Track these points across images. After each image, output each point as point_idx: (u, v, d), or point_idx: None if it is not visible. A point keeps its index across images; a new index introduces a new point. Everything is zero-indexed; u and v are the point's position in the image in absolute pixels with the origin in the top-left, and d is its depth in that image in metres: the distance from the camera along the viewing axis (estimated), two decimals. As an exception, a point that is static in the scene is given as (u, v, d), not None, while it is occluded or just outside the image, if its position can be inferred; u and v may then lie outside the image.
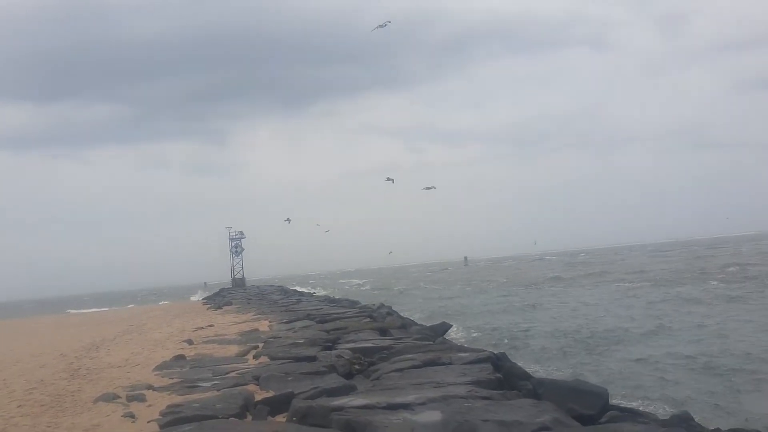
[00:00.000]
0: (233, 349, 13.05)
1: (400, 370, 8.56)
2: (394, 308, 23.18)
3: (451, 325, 17.29)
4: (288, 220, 76.21)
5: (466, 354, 9.52)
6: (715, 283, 31.96)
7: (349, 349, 11.09)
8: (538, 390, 6.91)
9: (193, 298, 63.19)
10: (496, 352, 10.03)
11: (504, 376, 8.02)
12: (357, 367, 9.68)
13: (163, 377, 10.01)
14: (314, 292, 55.31)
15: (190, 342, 14.86)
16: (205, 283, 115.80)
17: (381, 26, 21.83)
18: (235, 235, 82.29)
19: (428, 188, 27.27)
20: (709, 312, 21.54)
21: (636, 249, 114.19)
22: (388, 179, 27.79)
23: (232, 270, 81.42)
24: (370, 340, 12.39)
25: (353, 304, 25.54)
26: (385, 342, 11.78)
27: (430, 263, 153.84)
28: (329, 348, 11.81)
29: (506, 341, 17.90)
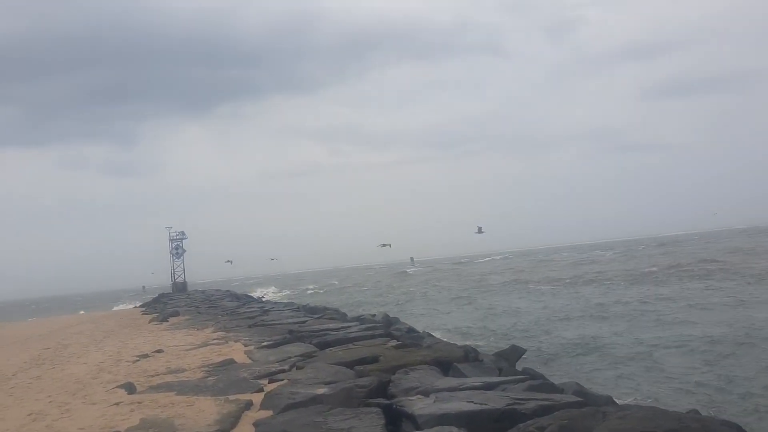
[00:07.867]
0: (207, 407, 7.63)
1: None
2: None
3: (525, 350, 12.20)
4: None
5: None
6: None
7: (440, 415, 5.91)
8: None
9: (120, 307, 56.34)
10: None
11: None
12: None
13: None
14: (263, 297, 49.74)
15: (130, 388, 9.28)
16: (143, 287, 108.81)
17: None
18: (176, 235, 75.54)
19: None
20: None
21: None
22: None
23: (173, 273, 74.58)
24: (451, 390, 7.14)
25: (342, 315, 20.11)
26: (490, 397, 6.57)
27: (374, 265, 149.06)
28: (390, 409, 6.61)
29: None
